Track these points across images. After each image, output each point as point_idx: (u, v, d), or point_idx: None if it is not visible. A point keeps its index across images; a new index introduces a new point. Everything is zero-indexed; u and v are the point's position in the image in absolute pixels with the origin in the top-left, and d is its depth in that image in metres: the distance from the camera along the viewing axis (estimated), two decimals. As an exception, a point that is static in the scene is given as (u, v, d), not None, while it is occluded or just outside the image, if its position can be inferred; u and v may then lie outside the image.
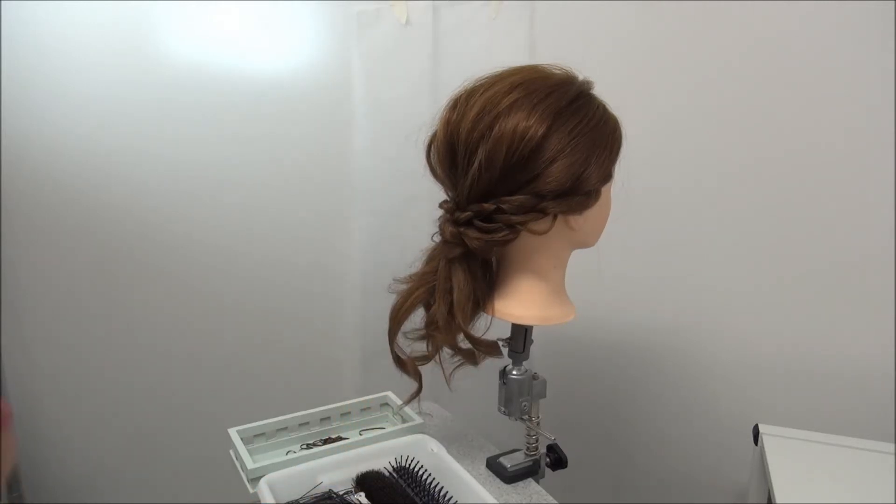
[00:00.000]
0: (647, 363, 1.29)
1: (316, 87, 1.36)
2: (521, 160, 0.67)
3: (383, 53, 1.32)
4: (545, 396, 0.90)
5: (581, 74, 0.75)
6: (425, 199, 0.81)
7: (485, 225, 0.71)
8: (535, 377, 0.88)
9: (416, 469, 0.86)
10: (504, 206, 0.70)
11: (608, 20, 1.19)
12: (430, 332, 0.77)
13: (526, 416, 0.89)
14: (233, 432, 0.96)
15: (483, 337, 0.80)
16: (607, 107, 0.74)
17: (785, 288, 1.15)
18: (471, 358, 0.79)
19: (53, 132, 1.27)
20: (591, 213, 0.75)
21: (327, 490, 0.86)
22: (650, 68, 1.18)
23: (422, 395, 0.84)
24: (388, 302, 0.82)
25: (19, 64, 1.22)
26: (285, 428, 1.01)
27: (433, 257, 0.79)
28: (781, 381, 1.17)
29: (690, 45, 1.15)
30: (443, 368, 0.79)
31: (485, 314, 0.80)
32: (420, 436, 0.97)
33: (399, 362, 0.79)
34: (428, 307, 0.78)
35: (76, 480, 1.39)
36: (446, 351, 0.79)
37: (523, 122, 0.67)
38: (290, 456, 0.93)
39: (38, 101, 1.25)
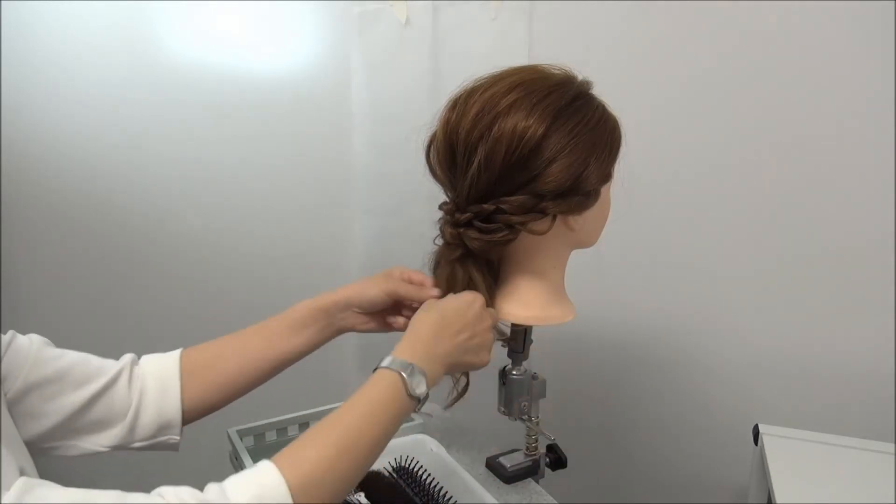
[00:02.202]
0: (646, 363, 1.29)
1: (316, 86, 1.35)
2: (520, 160, 0.67)
3: (383, 53, 1.32)
4: (545, 396, 0.90)
5: (580, 74, 0.75)
6: (425, 198, 0.81)
7: (484, 225, 0.71)
8: (534, 377, 0.88)
9: (415, 469, 0.86)
10: (504, 207, 0.70)
11: (607, 20, 1.19)
12: None
13: (526, 416, 0.89)
14: (232, 432, 0.96)
15: None
16: (607, 106, 0.74)
17: (785, 288, 1.15)
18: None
19: (54, 132, 1.27)
20: (591, 214, 0.75)
21: (327, 490, 0.86)
22: (650, 68, 1.18)
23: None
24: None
25: (19, 64, 1.22)
26: (285, 428, 1.01)
27: (439, 263, 0.79)
28: (781, 381, 1.17)
29: (690, 45, 1.15)
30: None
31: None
32: (420, 436, 0.97)
33: None
34: None
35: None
36: None
37: (522, 122, 0.67)
38: (290, 456, 0.93)
39: (38, 101, 1.25)
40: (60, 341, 0.73)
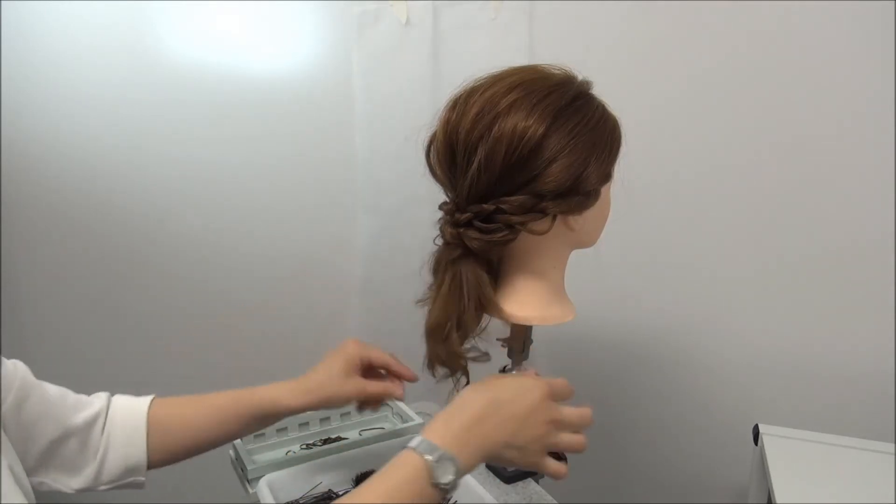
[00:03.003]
0: (646, 363, 1.29)
1: (316, 86, 1.36)
2: (520, 160, 0.67)
3: (383, 53, 1.32)
4: (545, 396, 0.90)
5: (580, 74, 0.75)
6: (426, 198, 0.81)
7: (484, 226, 0.71)
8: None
9: (415, 469, 0.86)
10: (504, 207, 0.70)
11: (607, 20, 1.19)
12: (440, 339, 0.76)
13: (526, 416, 0.89)
14: (233, 432, 0.96)
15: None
16: (607, 106, 0.74)
17: (785, 288, 1.15)
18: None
19: (54, 132, 1.27)
20: (591, 214, 0.74)
21: (327, 490, 0.86)
22: (650, 68, 1.18)
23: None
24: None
25: (19, 64, 1.22)
26: (285, 428, 1.01)
27: (437, 267, 0.78)
28: (781, 381, 1.17)
29: (690, 45, 1.15)
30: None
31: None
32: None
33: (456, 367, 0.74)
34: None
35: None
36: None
37: (522, 122, 0.67)
38: (290, 456, 0.93)
39: (38, 101, 1.25)
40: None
